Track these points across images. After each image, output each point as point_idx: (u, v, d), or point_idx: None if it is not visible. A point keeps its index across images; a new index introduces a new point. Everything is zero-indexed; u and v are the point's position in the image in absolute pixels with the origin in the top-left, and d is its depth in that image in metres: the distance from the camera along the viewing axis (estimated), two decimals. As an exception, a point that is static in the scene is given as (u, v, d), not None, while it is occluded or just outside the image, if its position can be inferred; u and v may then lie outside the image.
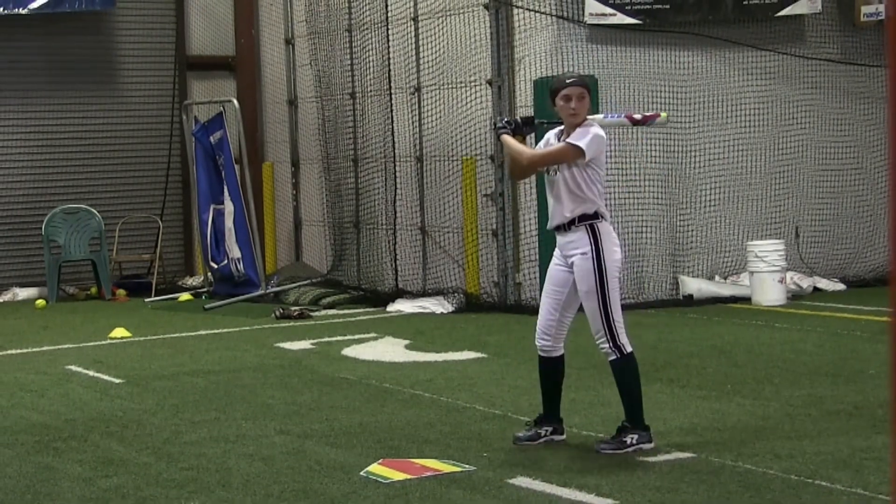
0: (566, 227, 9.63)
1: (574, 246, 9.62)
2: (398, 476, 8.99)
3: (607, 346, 9.59)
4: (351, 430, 10.58)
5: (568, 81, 9.67)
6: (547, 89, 15.84)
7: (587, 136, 9.49)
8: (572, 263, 9.63)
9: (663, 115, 10.57)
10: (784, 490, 8.42)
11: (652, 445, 9.61)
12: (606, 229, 9.65)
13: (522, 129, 10.09)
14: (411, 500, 8.46)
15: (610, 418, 10.65)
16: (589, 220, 9.58)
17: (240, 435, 10.51)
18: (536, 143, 10.38)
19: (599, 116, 10.09)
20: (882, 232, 20.02)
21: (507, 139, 9.90)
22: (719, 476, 8.81)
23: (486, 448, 9.80)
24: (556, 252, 9.82)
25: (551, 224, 9.77)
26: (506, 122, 10.06)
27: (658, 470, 9.04)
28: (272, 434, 10.52)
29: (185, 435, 10.59)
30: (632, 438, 9.56)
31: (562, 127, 9.74)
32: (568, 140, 9.53)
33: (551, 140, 9.79)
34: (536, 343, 9.92)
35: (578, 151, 9.46)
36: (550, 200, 9.75)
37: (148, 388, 12.77)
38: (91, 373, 13.79)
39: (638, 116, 10.42)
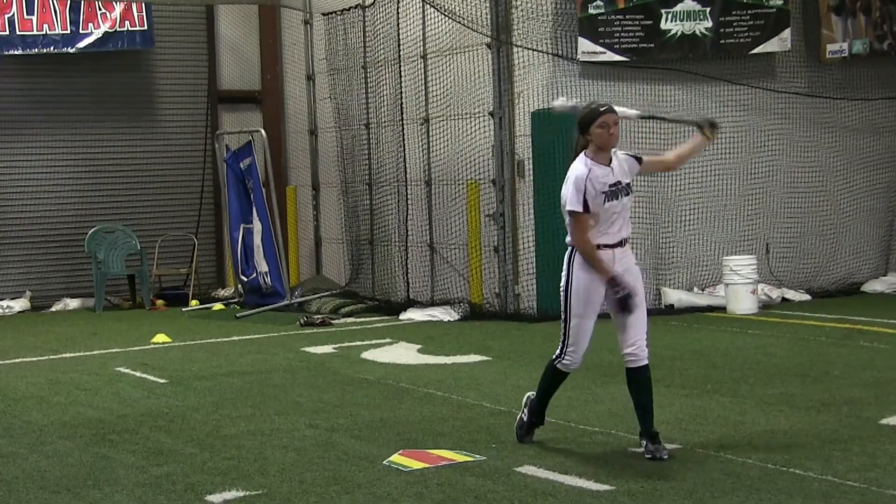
0: (622, 243, 9.30)
1: (630, 257, 9.35)
2: (417, 465, 9.03)
3: (646, 351, 9.36)
4: (373, 424, 10.62)
5: (602, 110, 9.15)
6: (546, 120, 16.00)
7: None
8: (624, 272, 9.23)
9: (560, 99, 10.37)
10: (762, 477, 8.45)
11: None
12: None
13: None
14: (430, 485, 8.49)
15: (603, 414, 10.70)
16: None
17: (274, 429, 10.55)
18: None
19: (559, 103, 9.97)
20: (843, 248, 20.12)
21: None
22: (704, 465, 8.85)
23: (494, 440, 9.84)
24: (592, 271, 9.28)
25: (615, 240, 9.25)
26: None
27: (648, 459, 9.07)
28: (303, 428, 10.55)
29: (225, 429, 10.63)
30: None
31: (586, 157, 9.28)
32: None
33: (623, 166, 9.34)
34: (574, 361, 9.43)
35: (572, 213, 9.14)
36: (615, 223, 9.23)
37: (189, 388, 12.82)
38: (138, 374, 13.85)
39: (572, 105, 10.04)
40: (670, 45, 18.27)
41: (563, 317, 9.40)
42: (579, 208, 9.12)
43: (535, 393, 9.77)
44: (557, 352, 9.48)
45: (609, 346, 14.25)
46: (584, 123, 9.25)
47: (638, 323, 9.39)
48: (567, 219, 9.25)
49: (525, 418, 9.77)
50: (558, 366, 9.51)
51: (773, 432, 9.87)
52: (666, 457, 9.04)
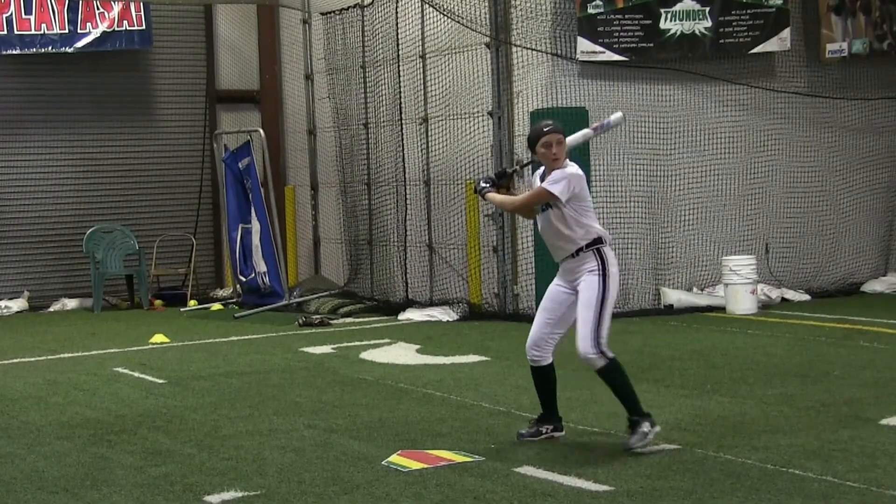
0: (574, 254, 9.48)
1: (583, 267, 9.45)
2: (416, 465, 9.03)
3: (594, 354, 9.40)
4: (372, 424, 10.62)
5: (545, 130, 9.41)
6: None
7: (562, 180, 9.32)
8: (577, 283, 9.47)
9: (617, 114, 10.36)
10: (761, 477, 8.45)
11: (659, 429, 9.51)
12: (611, 255, 9.53)
13: (500, 181, 9.80)
14: (428, 486, 8.48)
15: (603, 414, 10.71)
16: (595, 246, 9.45)
17: (272, 429, 10.55)
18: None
19: (570, 138, 9.86)
20: (843, 248, 20.12)
21: (491, 196, 9.73)
22: (703, 465, 8.85)
23: (493, 440, 9.85)
24: (560, 275, 9.66)
25: (558, 258, 9.58)
26: (483, 182, 9.79)
27: (648, 460, 9.06)
28: (301, 428, 10.56)
29: (223, 429, 10.62)
30: (646, 426, 9.40)
31: (543, 168, 9.58)
32: (543, 185, 9.37)
33: (536, 181, 9.62)
34: (527, 354, 9.79)
35: (552, 196, 9.33)
36: (547, 236, 9.58)
37: (188, 388, 12.82)
38: (136, 374, 13.86)
39: (597, 125, 10.26)
40: (670, 45, 18.27)
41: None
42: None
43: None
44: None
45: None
46: (530, 142, 9.55)
47: (581, 324, 9.51)
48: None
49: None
50: None
51: (773, 432, 9.86)
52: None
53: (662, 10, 18.19)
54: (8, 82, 21.54)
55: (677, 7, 18.23)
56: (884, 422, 10.15)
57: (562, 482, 8.52)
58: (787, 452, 9.14)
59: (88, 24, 21.22)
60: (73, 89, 22.05)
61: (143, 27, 21.61)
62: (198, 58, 23.20)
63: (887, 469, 8.60)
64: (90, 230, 21.30)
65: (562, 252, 9.56)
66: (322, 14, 21.41)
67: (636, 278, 18.29)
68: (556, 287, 9.69)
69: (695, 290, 18.76)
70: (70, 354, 15.71)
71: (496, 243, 18.03)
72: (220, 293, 22.40)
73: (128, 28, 21.50)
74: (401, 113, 19.66)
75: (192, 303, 21.30)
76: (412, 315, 18.38)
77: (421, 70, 19.30)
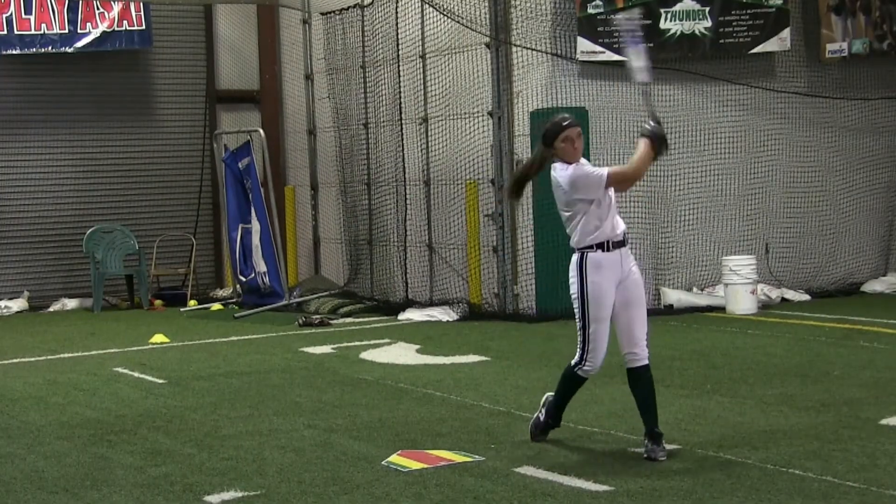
0: (625, 241, 9.31)
1: (631, 256, 9.36)
2: (416, 465, 9.03)
3: (646, 352, 9.34)
4: (372, 424, 10.62)
5: (565, 124, 9.21)
6: (542, 121, 15.90)
7: (581, 182, 9.11)
8: (630, 269, 9.29)
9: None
10: (762, 477, 8.45)
11: None
12: None
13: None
14: (428, 486, 8.49)
15: (603, 414, 10.70)
16: None
17: (272, 429, 10.55)
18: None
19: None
20: (843, 248, 20.12)
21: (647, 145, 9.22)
22: (703, 465, 8.85)
23: (493, 441, 9.84)
24: (606, 271, 9.23)
25: (619, 235, 9.22)
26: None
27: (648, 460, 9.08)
28: (301, 428, 10.56)
29: (223, 429, 10.62)
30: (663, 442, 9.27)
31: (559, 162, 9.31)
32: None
33: (560, 174, 9.22)
34: (594, 366, 9.38)
35: (608, 177, 9.15)
36: (606, 218, 9.19)
37: (188, 388, 12.82)
38: (136, 374, 13.85)
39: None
40: (670, 45, 18.26)
41: (581, 324, 9.34)
42: (604, 171, 9.16)
43: (553, 395, 9.76)
44: (577, 358, 9.42)
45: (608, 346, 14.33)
46: (548, 137, 9.27)
47: (639, 323, 9.38)
48: (605, 196, 9.17)
49: (542, 418, 9.77)
50: (579, 372, 9.49)
51: (773, 432, 9.86)
52: (662, 458, 9.03)
53: (662, 10, 18.19)
54: (8, 82, 21.54)
55: (677, 7, 18.24)
56: (884, 422, 10.15)
57: (562, 482, 8.52)
58: (787, 452, 9.13)
59: (88, 24, 21.22)
60: (73, 89, 22.05)
61: (143, 27, 21.60)
62: (198, 58, 23.20)
63: (887, 469, 8.60)
64: (90, 230, 21.31)
65: (620, 234, 9.27)
66: (322, 14, 21.41)
67: (636, 278, 18.24)
68: (611, 284, 9.26)
69: (695, 290, 18.76)
70: (70, 354, 15.71)
71: (496, 243, 18.03)
72: (220, 293, 22.39)
73: (128, 28, 21.49)
74: (401, 113, 19.65)
75: (192, 303, 21.30)
76: (412, 315, 18.37)
77: (421, 70, 19.30)
